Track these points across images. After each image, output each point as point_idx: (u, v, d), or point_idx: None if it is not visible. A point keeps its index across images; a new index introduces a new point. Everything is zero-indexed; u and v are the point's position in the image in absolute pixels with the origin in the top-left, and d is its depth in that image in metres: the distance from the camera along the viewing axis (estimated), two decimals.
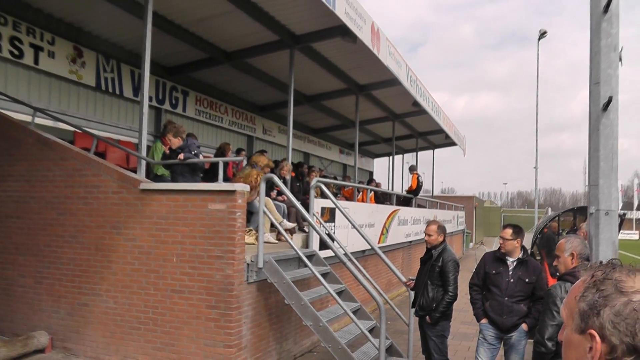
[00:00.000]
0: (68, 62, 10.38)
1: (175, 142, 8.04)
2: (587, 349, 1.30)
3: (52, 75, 10.21)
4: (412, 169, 18.46)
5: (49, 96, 10.21)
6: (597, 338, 1.28)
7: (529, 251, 5.98)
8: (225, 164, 9.55)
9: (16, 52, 9.37)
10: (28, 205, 7.90)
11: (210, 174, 9.09)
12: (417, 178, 17.87)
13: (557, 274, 4.36)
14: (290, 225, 8.52)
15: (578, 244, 4.20)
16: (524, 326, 5.56)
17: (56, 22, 10.02)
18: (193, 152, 7.93)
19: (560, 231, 13.87)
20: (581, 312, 1.34)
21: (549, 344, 3.94)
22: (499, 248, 5.79)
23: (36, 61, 9.75)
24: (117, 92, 11.62)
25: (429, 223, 6.40)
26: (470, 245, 33.03)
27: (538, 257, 13.10)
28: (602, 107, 4.69)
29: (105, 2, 9.06)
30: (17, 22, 9.35)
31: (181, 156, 7.77)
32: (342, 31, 9.79)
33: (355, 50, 11.13)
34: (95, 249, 7.26)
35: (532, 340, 4.36)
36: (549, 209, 28.09)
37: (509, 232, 5.70)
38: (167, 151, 8.43)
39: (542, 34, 25.56)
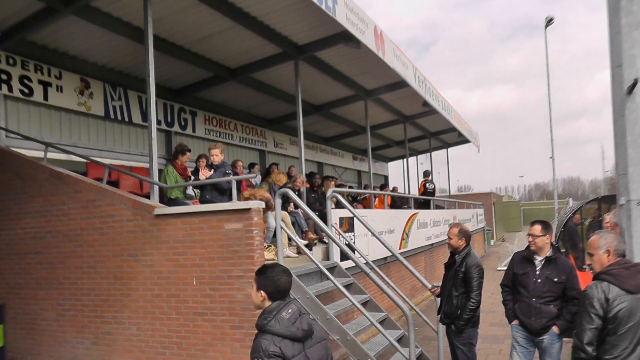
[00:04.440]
0: (76, 95, 10.47)
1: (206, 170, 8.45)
2: None
3: (61, 109, 10.32)
4: (425, 174, 18.26)
5: (60, 130, 10.29)
6: None
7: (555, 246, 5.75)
8: (239, 183, 9.50)
9: (26, 90, 9.54)
10: (45, 240, 7.95)
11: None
12: (424, 184, 17.69)
13: (592, 272, 4.10)
14: (303, 242, 8.41)
15: (613, 240, 3.94)
16: (554, 329, 5.32)
17: (61, 56, 10.12)
18: (228, 172, 8.24)
19: (582, 220, 13.59)
20: None
21: (589, 349, 3.65)
22: (528, 246, 5.60)
23: (45, 97, 9.88)
24: (126, 119, 11.67)
25: (450, 226, 6.25)
26: (492, 242, 32.68)
27: (563, 250, 12.84)
28: (626, 90, 4.37)
29: (107, 31, 9.12)
30: (25, 60, 9.53)
31: (205, 173, 8.33)
32: (345, 37, 9.72)
33: (360, 55, 11.07)
34: (114, 277, 7.23)
35: (567, 339, 4.14)
36: (570, 200, 27.52)
37: (538, 228, 5.48)
38: (184, 173, 8.72)
39: (549, 21, 25.15)
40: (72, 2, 8.12)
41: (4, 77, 9.16)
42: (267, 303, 3.27)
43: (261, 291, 3.29)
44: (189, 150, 9.08)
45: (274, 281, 3.28)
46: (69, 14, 8.39)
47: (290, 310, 3.19)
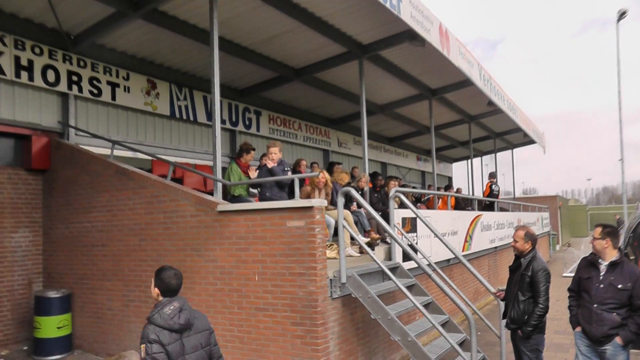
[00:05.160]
0: (143, 95, 10.78)
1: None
2: None
3: (128, 109, 10.66)
4: (490, 176, 17.88)
5: (127, 128, 10.62)
6: None
7: (623, 252, 5.47)
8: (302, 181, 9.51)
9: (95, 90, 9.89)
10: (111, 234, 8.21)
11: (289, 191, 9.10)
12: (490, 186, 17.30)
13: None
14: (365, 240, 8.34)
15: None
16: (617, 339, 5.02)
17: (129, 59, 10.48)
18: (285, 169, 8.38)
19: None
20: None
21: None
22: (592, 250, 5.39)
23: (113, 97, 10.23)
24: (191, 118, 11.91)
25: (516, 228, 6.05)
26: (557, 247, 31.66)
27: (632, 257, 12.26)
28: None
29: (173, 34, 9.38)
30: (94, 63, 9.89)
31: (252, 173, 8.51)
32: (410, 36, 9.62)
33: (424, 54, 10.93)
34: None
35: (636, 351, 3.88)
36: None
37: (598, 230, 5.28)
38: (248, 171, 8.79)
39: (622, 15, 23.99)
40: (141, 7, 8.37)
41: (74, 78, 9.53)
42: (160, 298, 3.99)
43: (156, 288, 4.00)
44: (254, 149, 9.16)
45: (165, 283, 3.99)
46: (137, 18, 8.67)
47: (172, 307, 3.90)
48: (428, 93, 14.20)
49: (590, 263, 5.32)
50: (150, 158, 10.00)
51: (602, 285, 5.12)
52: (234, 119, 13.06)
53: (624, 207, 26.81)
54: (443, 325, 7.08)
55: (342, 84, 13.22)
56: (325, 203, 6.57)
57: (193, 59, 10.96)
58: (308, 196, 8.46)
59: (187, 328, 3.98)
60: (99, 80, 9.93)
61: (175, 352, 3.84)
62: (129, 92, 10.49)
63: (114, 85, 10.21)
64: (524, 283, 5.73)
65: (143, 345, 3.75)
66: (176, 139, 11.73)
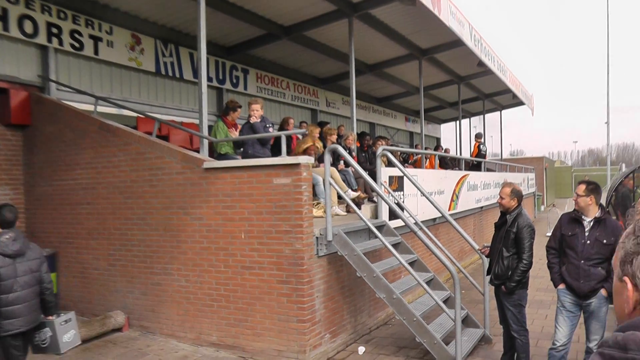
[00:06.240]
0: (127, 50, 10.50)
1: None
2: (624, 297, 1.31)
3: (112, 64, 10.34)
4: (477, 136, 17.90)
5: (111, 85, 10.36)
6: (629, 285, 1.29)
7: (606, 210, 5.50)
8: (289, 138, 9.43)
9: (77, 44, 9.53)
10: (96, 191, 8.11)
11: (274, 149, 9.03)
12: (478, 146, 17.34)
13: None
14: (354, 194, 8.33)
15: None
16: (602, 291, 5.12)
17: (112, 12, 10.10)
18: (267, 125, 8.26)
19: (636, 188, 13.11)
20: (620, 259, 1.34)
21: None
22: (575, 207, 5.40)
23: (96, 52, 9.89)
24: (177, 75, 11.69)
25: (503, 185, 6.06)
26: (542, 208, 31.96)
27: (613, 217, 12.42)
28: None
29: None
30: (75, 15, 9.50)
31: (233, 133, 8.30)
32: None
33: (415, 13, 10.77)
34: (164, 229, 7.33)
35: (612, 306, 3.98)
36: (623, 165, 26.56)
37: (582, 187, 5.26)
38: (232, 128, 8.65)
39: None
40: None
41: (54, 30, 9.15)
42: (0, 230, 4.91)
43: None
44: (240, 107, 9.03)
45: (2, 216, 4.93)
46: None
47: (7, 236, 4.82)
48: (418, 53, 14.05)
49: (574, 220, 5.32)
50: (135, 115, 9.84)
51: (588, 242, 5.15)
52: (221, 77, 12.85)
53: (607, 169, 27.07)
54: (428, 283, 7.15)
55: (332, 42, 13.01)
56: (312, 160, 6.53)
57: (179, 14, 10.67)
58: (304, 152, 8.38)
59: (19, 255, 4.87)
60: (80, 34, 9.59)
61: (7, 274, 4.75)
62: (112, 46, 10.18)
63: (96, 39, 9.87)
64: (509, 239, 5.78)
65: None
66: (162, 96, 11.53)
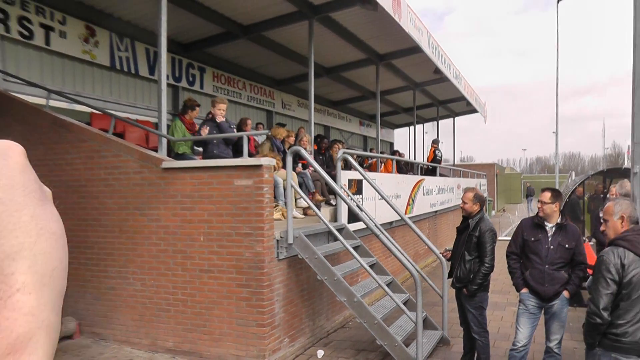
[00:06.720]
0: (81, 42, 10.11)
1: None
2: None
3: (64, 56, 9.93)
4: (434, 142, 18.17)
5: (63, 78, 9.97)
6: None
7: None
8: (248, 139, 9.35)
9: (26, 32, 9.06)
10: None
11: (233, 150, 8.91)
12: (434, 151, 17.60)
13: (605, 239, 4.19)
14: (304, 204, 8.31)
15: (627, 207, 4.01)
16: (565, 294, 5.28)
17: (66, 1, 9.72)
18: (231, 126, 8.30)
19: (585, 196, 13.59)
20: None
21: (605, 314, 3.75)
22: (537, 213, 5.49)
23: (47, 42, 9.47)
24: (133, 71, 11.39)
25: (465, 190, 6.17)
26: (493, 213, 32.69)
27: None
28: None
29: None
30: (25, 1, 9.03)
31: (205, 131, 7.95)
32: None
33: (375, 18, 10.79)
34: (120, 231, 7.10)
35: (572, 308, 4.18)
36: (573, 173, 27.42)
37: (547, 195, 5.36)
38: (192, 128, 8.53)
39: None
40: None
41: (0, 15, 8.71)
42: None
43: None
44: (199, 106, 8.88)
45: None
46: None
47: None
48: (376, 58, 14.10)
49: (536, 225, 5.42)
50: (88, 111, 9.50)
51: (552, 247, 5.27)
52: (177, 74, 12.61)
53: (555, 176, 27.91)
54: (388, 285, 7.15)
55: (290, 44, 12.92)
56: (274, 162, 6.45)
57: (137, 8, 10.33)
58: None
59: None
60: (30, 21, 9.11)
61: None
62: (65, 37, 9.76)
63: (48, 29, 9.43)
64: (471, 243, 5.89)
65: None
66: (116, 92, 11.18)
